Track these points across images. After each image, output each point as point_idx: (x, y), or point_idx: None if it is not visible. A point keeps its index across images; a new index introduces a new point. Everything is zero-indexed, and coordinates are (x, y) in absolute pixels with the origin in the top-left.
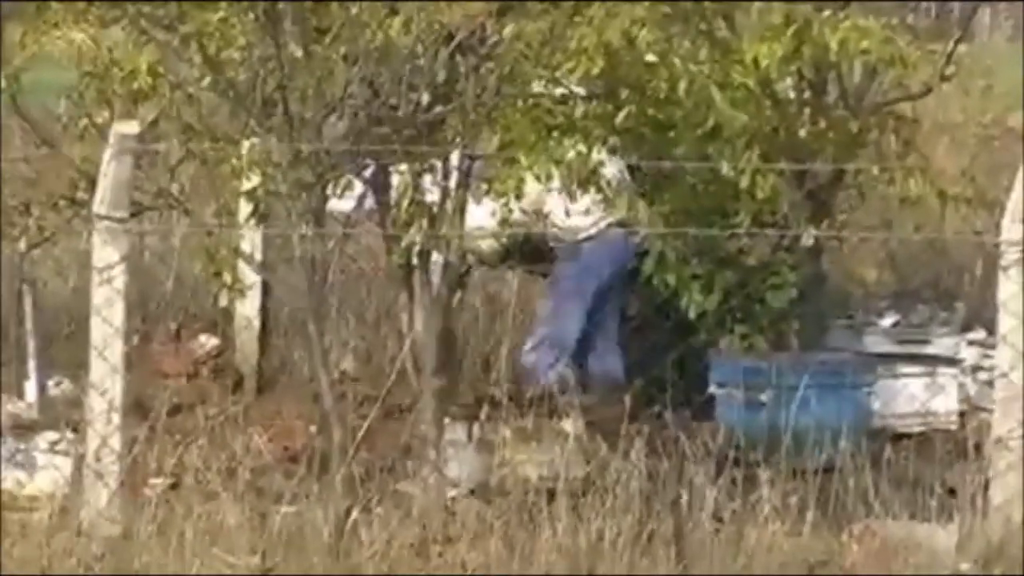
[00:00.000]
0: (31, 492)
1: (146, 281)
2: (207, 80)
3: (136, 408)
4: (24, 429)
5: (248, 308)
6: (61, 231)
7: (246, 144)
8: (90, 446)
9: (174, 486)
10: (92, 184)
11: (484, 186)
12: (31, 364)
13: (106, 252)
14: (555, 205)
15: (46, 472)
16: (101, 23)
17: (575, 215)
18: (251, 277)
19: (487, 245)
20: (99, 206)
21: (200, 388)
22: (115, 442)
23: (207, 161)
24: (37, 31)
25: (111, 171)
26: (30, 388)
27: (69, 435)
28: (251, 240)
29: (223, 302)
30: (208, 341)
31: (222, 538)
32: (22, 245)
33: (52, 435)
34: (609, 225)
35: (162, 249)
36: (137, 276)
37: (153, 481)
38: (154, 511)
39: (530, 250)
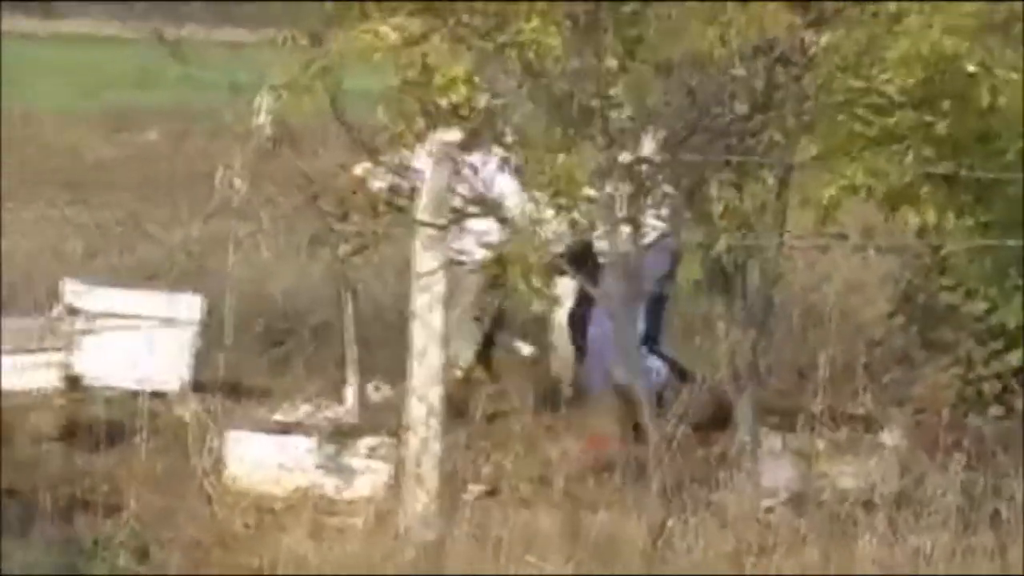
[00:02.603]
0: (350, 497)
1: None
2: (524, 89)
3: (454, 414)
4: (343, 434)
5: (564, 315)
6: (381, 237)
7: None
8: (409, 451)
9: (490, 493)
10: (412, 191)
11: None
12: (350, 369)
13: (426, 258)
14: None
15: (365, 477)
16: (421, 34)
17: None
18: (569, 285)
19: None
20: (420, 213)
21: (516, 395)
22: (434, 447)
23: (523, 169)
24: (354, 32)
25: (432, 178)
26: (349, 393)
27: (388, 440)
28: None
29: (538, 309)
30: (524, 348)
31: (536, 545)
32: (343, 251)
33: (371, 440)
34: (661, 235)
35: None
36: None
37: (471, 487)
38: (471, 517)
39: (578, 257)
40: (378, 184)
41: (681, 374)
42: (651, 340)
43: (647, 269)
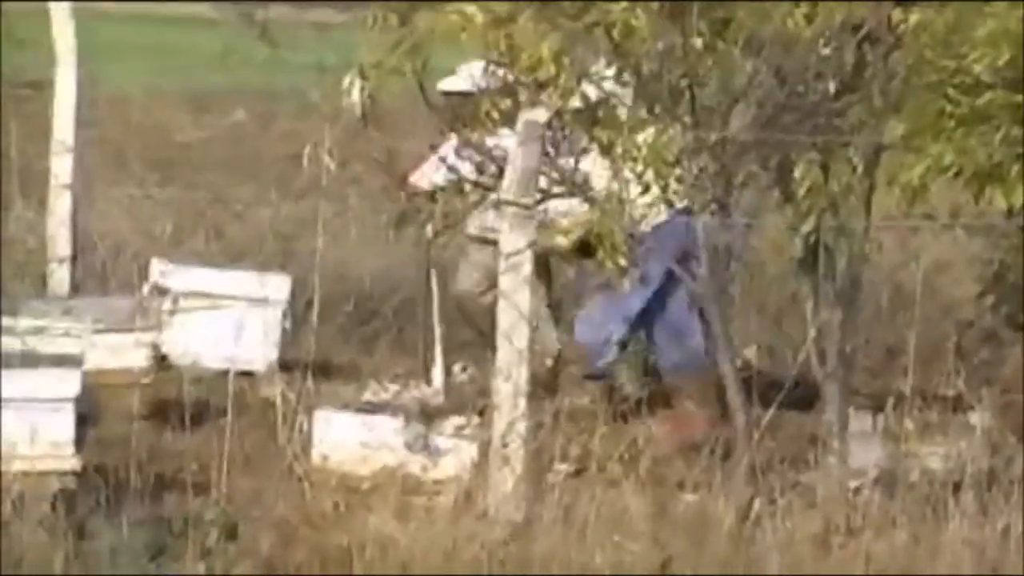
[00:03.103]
0: (436, 476)
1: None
2: (611, 68)
3: (540, 395)
4: (430, 414)
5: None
6: (467, 217)
7: (649, 132)
8: (496, 431)
9: (577, 473)
10: (499, 170)
11: None
12: (437, 349)
13: (513, 238)
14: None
15: (452, 456)
16: (507, 14)
17: (641, 205)
18: None
19: (563, 238)
20: (506, 192)
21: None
22: (521, 427)
23: (609, 148)
24: (441, 12)
25: (518, 158)
26: (436, 373)
27: (475, 420)
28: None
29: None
30: None
31: (623, 526)
32: (429, 231)
33: (458, 420)
34: (678, 212)
35: None
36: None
37: (557, 467)
38: (557, 497)
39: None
40: (464, 166)
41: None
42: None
43: (660, 245)
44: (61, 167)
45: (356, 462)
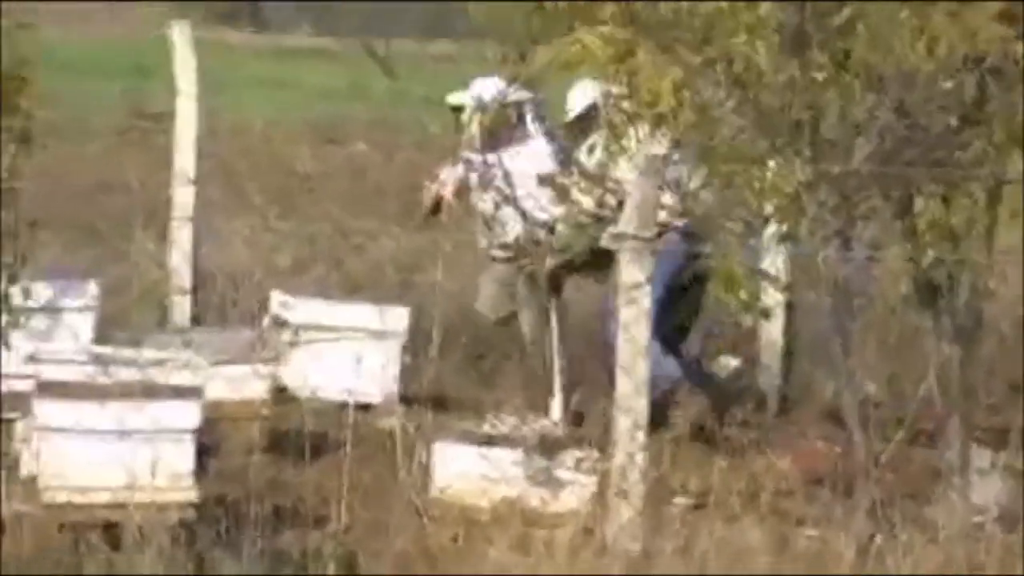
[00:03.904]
0: (556, 509)
1: None
2: (732, 101)
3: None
4: (549, 447)
5: (773, 329)
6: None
7: (770, 165)
8: (615, 464)
9: (697, 506)
10: (619, 203)
11: None
12: (557, 382)
13: (633, 271)
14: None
15: (571, 489)
16: (627, 48)
17: None
18: (776, 298)
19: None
20: (626, 225)
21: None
22: (639, 460)
23: (730, 182)
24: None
25: (638, 191)
26: (555, 406)
27: (594, 453)
28: (775, 261)
29: (747, 322)
30: (731, 361)
31: (743, 560)
32: (549, 264)
33: (578, 453)
34: (674, 229)
35: None
36: None
37: (677, 500)
38: (676, 530)
39: (593, 254)
40: (585, 199)
41: (701, 376)
42: (667, 340)
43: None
44: (183, 199)
45: (475, 495)
